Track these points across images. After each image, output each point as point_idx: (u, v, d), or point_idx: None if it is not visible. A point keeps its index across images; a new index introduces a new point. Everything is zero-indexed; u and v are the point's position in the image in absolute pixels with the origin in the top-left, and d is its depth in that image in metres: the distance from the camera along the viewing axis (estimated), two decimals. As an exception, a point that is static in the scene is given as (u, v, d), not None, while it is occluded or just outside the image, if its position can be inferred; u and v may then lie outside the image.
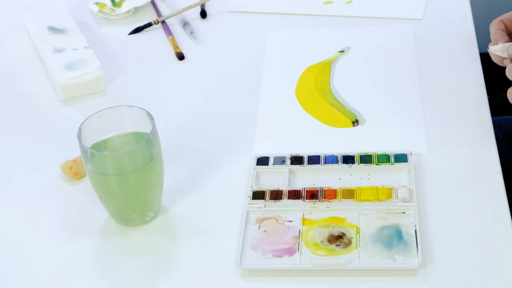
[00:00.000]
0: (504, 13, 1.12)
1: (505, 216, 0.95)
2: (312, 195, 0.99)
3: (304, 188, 1.00)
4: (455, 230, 0.94)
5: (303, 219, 0.97)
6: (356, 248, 0.92)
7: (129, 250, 0.97)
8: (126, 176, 0.94)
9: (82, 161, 0.96)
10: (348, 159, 1.04)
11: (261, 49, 1.28)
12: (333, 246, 0.93)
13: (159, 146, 0.95)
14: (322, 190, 1.00)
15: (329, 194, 0.99)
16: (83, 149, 0.93)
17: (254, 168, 1.04)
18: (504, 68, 1.03)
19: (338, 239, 0.94)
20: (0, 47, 1.35)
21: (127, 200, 0.97)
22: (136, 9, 1.40)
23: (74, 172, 1.05)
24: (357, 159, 1.03)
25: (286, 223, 0.97)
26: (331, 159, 1.04)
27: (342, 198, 0.98)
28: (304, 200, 0.99)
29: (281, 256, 0.93)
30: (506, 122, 1.29)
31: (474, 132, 1.07)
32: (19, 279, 0.95)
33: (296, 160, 1.04)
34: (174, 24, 1.37)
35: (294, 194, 0.99)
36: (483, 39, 1.20)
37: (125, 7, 1.38)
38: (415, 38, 1.26)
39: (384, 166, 1.02)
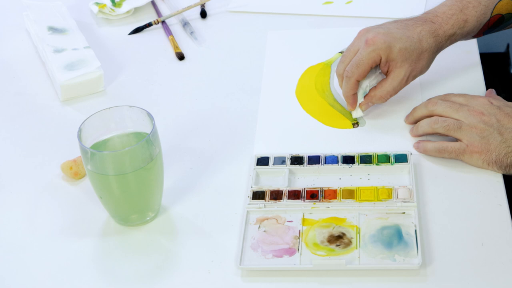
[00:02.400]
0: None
1: (505, 216, 0.95)
2: (312, 195, 0.99)
3: (304, 188, 1.00)
4: (455, 230, 0.94)
5: (303, 219, 0.97)
6: (356, 248, 0.92)
7: (129, 250, 0.97)
8: (126, 176, 0.94)
9: (82, 161, 0.96)
10: (348, 159, 1.04)
11: (261, 49, 1.28)
12: (333, 246, 0.93)
13: (159, 146, 0.95)
14: (322, 190, 1.00)
15: (329, 194, 0.99)
16: (83, 149, 0.93)
17: (254, 168, 1.04)
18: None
19: (338, 239, 0.94)
20: (0, 47, 1.35)
21: (127, 200, 0.97)
22: (136, 9, 1.40)
23: (74, 172, 1.06)
24: (357, 159, 1.03)
25: (286, 223, 0.97)
26: (331, 159, 1.04)
27: (342, 198, 0.98)
28: (304, 200, 0.99)
29: (281, 256, 0.93)
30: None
31: (474, 132, 1.07)
32: (19, 279, 0.95)
33: (296, 160, 1.04)
34: (174, 24, 1.37)
35: (294, 194, 0.99)
36: (483, 39, 1.20)
37: (125, 7, 1.38)
38: (415, 38, 1.26)
39: (384, 166, 1.02)
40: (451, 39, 1.08)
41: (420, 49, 1.06)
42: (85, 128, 0.94)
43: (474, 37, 1.12)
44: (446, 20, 1.07)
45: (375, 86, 1.08)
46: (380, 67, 1.07)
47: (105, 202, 0.98)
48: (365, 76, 1.07)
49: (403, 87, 1.08)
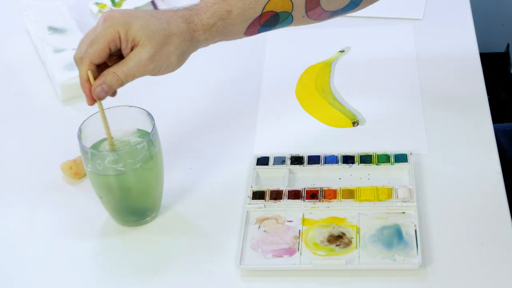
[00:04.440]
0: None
1: (505, 216, 0.95)
2: (312, 195, 0.99)
3: (304, 188, 1.00)
4: (455, 230, 0.94)
5: (303, 219, 0.97)
6: (356, 248, 0.92)
7: (129, 250, 0.97)
8: (126, 176, 0.94)
9: (82, 161, 0.96)
10: (348, 159, 1.04)
11: (261, 49, 1.28)
12: (333, 246, 0.93)
13: (159, 146, 0.95)
14: (322, 190, 1.00)
15: (329, 194, 0.99)
16: (83, 149, 0.93)
17: (254, 168, 1.04)
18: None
19: (338, 239, 0.94)
20: (0, 47, 1.35)
21: (127, 200, 0.97)
22: (136, 9, 1.40)
23: (74, 172, 1.05)
24: (357, 159, 1.03)
25: (286, 223, 0.97)
26: (331, 159, 1.04)
27: (342, 198, 0.98)
28: (304, 200, 0.99)
29: (281, 256, 0.93)
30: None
31: (474, 132, 1.07)
32: (19, 279, 0.95)
33: (296, 160, 1.04)
34: (174, 24, 1.36)
35: (294, 194, 0.99)
36: (483, 39, 1.20)
37: (125, 7, 1.38)
38: (415, 38, 1.26)
39: (384, 166, 1.02)
40: (211, 30, 0.97)
41: (168, 30, 0.93)
42: (85, 128, 0.94)
43: (246, 34, 1.01)
44: (204, 8, 0.96)
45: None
46: (122, 49, 0.93)
47: (105, 202, 0.98)
48: (101, 57, 0.91)
49: (142, 70, 0.93)
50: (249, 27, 1.00)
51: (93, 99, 0.93)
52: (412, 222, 0.95)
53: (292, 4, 0.99)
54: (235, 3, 0.97)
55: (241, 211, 0.99)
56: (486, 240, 0.92)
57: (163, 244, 0.97)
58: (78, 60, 0.92)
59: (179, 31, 0.94)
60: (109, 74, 0.92)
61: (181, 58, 0.96)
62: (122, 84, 0.93)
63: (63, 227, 1.00)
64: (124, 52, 0.93)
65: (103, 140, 0.96)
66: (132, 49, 0.92)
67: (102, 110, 0.93)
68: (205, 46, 0.99)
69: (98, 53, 0.91)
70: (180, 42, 0.94)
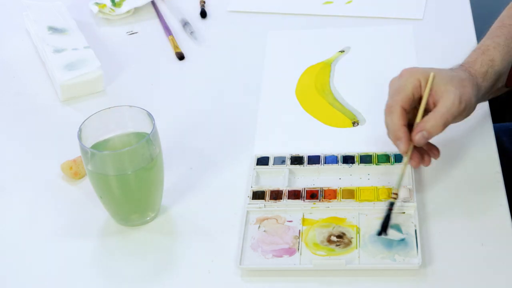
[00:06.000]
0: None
1: (505, 216, 0.95)
2: (312, 195, 0.99)
3: (304, 188, 1.00)
4: (455, 230, 0.94)
5: (303, 219, 0.97)
6: (356, 248, 0.92)
7: (129, 250, 0.97)
8: (126, 176, 0.94)
9: (82, 161, 0.96)
10: (348, 159, 1.04)
11: (261, 49, 1.28)
12: (333, 246, 0.93)
13: (159, 146, 0.95)
14: (322, 190, 1.00)
15: (329, 194, 0.99)
16: (83, 149, 0.93)
17: (254, 168, 1.04)
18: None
19: (338, 239, 0.94)
20: (0, 47, 1.35)
21: (127, 200, 0.97)
22: (136, 9, 1.40)
23: (74, 172, 1.06)
24: (357, 159, 1.03)
25: (286, 223, 0.97)
26: (331, 159, 1.04)
27: (342, 198, 0.98)
28: (304, 200, 0.99)
29: (281, 256, 0.93)
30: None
31: (474, 132, 1.07)
32: (19, 279, 0.95)
33: (296, 160, 1.04)
34: (174, 24, 1.36)
35: (294, 194, 0.99)
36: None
37: (125, 7, 1.38)
38: (415, 38, 1.26)
39: (384, 166, 1.02)
40: (486, 78, 1.00)
41: (458, 76, 0.97)
42: (85, 128, 0.95)
43: (508, 85, 1.04)
44: (472, 63, 1.01)
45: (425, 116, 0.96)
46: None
47: (105, 202, 0.98)
48: (408, 103, 0.95)
49: (456, 111, 0.94)
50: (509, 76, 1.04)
51: (407, 145, 0.94)
52: (412, 222, 0.95)
53: None
54: (493, 53, 1.02)
55: (241, 211, 0.99)
56: (486, 240, 0.92)
57: (163, 244, 0.97)
58: (388, 110, 0.96)
59: (466, 77, 0.98)
60: (429, 120, 0.94)
61: (474, 103, 0.98)
62: (441, 129, 0.94)
63: (63, 227, 1.00)
64: (428, 105, 0.96)
65: (104, 140, 0.97)
66: (434, 99, 0.95)
67: (407, 162, 0.95)
68: (484, 96, 1.02)
69: (406, 99, 0.95)
70: (472, 86, 0.97)
